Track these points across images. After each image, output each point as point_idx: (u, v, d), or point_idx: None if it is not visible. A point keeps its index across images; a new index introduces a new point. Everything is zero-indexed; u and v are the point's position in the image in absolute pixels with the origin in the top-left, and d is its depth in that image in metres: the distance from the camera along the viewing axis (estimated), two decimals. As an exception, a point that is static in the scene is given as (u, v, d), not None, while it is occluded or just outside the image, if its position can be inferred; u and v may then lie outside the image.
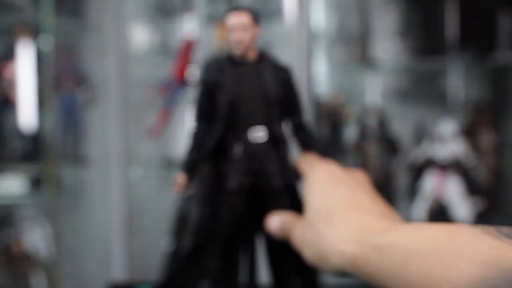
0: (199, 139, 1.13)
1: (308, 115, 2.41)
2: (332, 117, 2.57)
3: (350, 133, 2.62)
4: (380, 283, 0.44)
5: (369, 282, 0.47)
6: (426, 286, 0.38)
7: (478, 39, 2.52)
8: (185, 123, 2.91)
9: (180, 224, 2.55)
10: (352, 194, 0.54)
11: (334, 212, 0.52)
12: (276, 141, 1.12)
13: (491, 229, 0.38)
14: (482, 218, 2.59)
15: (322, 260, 0.52)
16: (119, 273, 2.61)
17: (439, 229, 0.42)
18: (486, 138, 2.55)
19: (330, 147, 2.62)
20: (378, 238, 0.45)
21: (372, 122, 2.45)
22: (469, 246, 0.37)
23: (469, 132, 2.63)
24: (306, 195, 0.60)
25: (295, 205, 1.10)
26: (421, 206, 2.58)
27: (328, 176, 0.58)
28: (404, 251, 0.41)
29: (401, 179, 2.72)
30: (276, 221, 0.64)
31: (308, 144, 1.17)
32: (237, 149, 1.13)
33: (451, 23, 2.41)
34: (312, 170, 0.63)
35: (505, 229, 0.38)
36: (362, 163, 2.48)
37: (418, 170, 2.74)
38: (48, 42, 2.10)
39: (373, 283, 0.45)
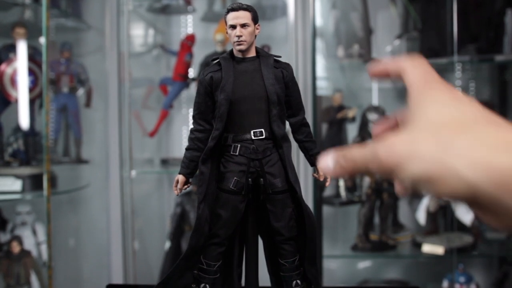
0: (198, 138, 1.12)
1: (310, 113, 2.40)
2: (334, 115, 2.57)
3: (351, 130, 2.62)
4: None
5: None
6: None
7: (479, 39, 2.51)
8: (185, 122, 2.90)
9: (179, 222, 2.53)
10: (482, 110, 0.43)
11: (469, 123, 0.41)
12: (277, 141, 1.11)
13: None
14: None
15: (443, 175, 0.38)
16: (117, 274, 2.60)
17: None
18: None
19: (332, 144, 2.61)
20: None
21: (373, 120, 2.45)
22: None
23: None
24: (417, 106, 0.46)
25: (296, 205, 1.09)
26: (423, 205, 2.57)
27: (447, 89, 0.46)
28: None
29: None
30: (330, 159, 0.49)
31: (309, 142, 1.17)
32: (237, 149, 1.12)
33: (453, 23, 2.40)
34: (426, 81, 0.48)
35: None
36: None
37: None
38: (46, 42, 2.09)
39: None
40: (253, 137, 1.06)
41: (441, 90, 0.46)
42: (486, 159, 0.37)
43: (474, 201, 0.38)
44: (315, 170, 1.11)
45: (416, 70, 0.48)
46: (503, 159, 0.36)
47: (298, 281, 1.10)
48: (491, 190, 0.36)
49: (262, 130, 1.06)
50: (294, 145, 1.11)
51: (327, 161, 0.50)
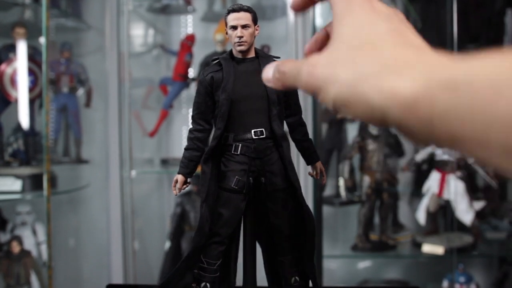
0: (197, 138, 1.12)
1: (310, 113, 2.40)
2: (334, 115, 2.57)
3: (351, 130, 2.62)
4: (444, 128, 0.35)
5: (422, 134, 0.38)
6: None
7: (479, 39, 2.51)
8: (185, 122, 2.91)
9: (179, 222, 2.54)
10: (398, 28, 0.43)
11: (381, 45, 0.42)
12: (277, 140, 1.11)
13: None
14: (483, 217, 2.58)
15: (357, 100, 0.41)
16: (117, 274, 2.61)
17: None
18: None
19: (332, 144, 2.61)
20: (450, 72, 0.36)
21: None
22: None
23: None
24: (338, 26, 0.47)
25: (296, 204, 1.10)
26: (423, 205, 2.58)
27: (368, 5, 0.46)
28: (492, 83, 0.33)
29: (402, 176, 2.71)
30: (270, 69, 0.52)
31: (306, 141, 1.17)
32: (238, 149, 1.12)
33: (453, 23, 2.40)
34: (350, 3, 0.48)
35: None
36: (363, 159, 2.47)
37: (420, 169, 2.73)
38: (46, 42, 2.10)
39: (428, 131, 0.36)
40: (253, 137, 1.07)
41: (361, 7, 0.46)
42: (391, 85, 0.38)
43: (386, 122, 0.40)
44: (312, 169, 1.12)
45: None
46: (406, 84, 0.37)
47: (297, 278, 1.10)
48: (398, 113, 0.38)
49: (263, 129, 1.07)
50: (293, 145, 1.11)
51: (268, 71, 0.52)
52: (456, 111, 0.34)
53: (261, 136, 1.06)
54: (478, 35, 2.51)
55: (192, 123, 1.09)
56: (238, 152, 1.06)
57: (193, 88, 2.61)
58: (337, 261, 2.67)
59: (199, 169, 1.09)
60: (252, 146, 1.06)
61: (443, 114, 0.35)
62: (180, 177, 1.08)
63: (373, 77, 0.40)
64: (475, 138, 0.34)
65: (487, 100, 0.33)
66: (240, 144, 1.06)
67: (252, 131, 1.06)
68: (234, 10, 1.04)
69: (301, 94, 1.14)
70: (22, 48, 2.22)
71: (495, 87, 0.33)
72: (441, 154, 2.53)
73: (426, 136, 0.37)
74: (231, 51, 1.07)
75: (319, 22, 2.53)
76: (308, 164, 1.11)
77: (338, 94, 0.42)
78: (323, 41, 0.56)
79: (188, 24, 2.89)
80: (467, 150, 0.35)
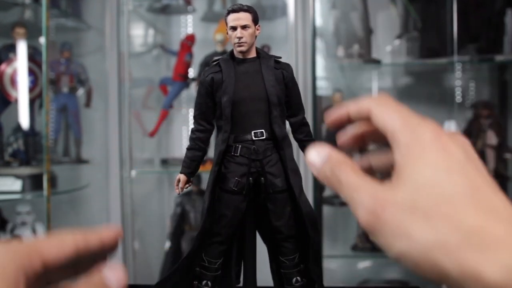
0: (199, 138, 1.12)
1: (310, 113, 2.40)
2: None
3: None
4: None
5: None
6: None
7: (479, 39, 2.51)
8: (185, 122, 2.90)
9: (179, 222, 2.54)
10: (475, 183, 0.39)
11: (462, 209, 0.37)
12: (277, 141, 1.11)
13: None
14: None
15: (428, 266, 0.37)
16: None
17: None
18: (487, 137, 2.54)
19: (332, 144, 2.61)
20: None
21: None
22: None
23: (471, 132, 2.62)
24: (407, 165, 0.40)
25: (295, 205, 1.10)
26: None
27: (439, 145, 0.41)
28: None
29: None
30: (319, 159, 0.44)
31: (309, 141, 1.17)
32: (238, 150, 1.12)
33: (453, 23, 2.41)
34: (414, 132, 0.42)
35: None
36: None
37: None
38: (46, 42, 2.09)
39: None
40: (253, 138, 1.07)
41: (432, 147, 0.41)
42: (473, 265, 0.35)
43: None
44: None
45: (391, 113, 0.43)
46: (491, 269, 0.34)
47: (298, 278, 1.11)
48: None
49: (263, 130, 1.07)
50: (294, 144, 1.11)
51: (315, 158, 0.45)
52: None
53: (261, 137, 1.06)
54: (478, 35, 2.51)
55: (194, 123, 1.09)
56: (238, 154, 1.06)
57: (193, 88, 2.61)
58: (337, 261, 2.67)
59: (201, 169, 1.09)
60: (252, 147, 1.06)
61: None
62: (182, 177, 1.09)
63: (452, 248, 0.36)
64: None
65: None
66: (240, 146, 1.06)
67: (252, 132, 1.06)
68: (233, 11, 1.04)
69: (302, 94, 1.14)
70: (22, 48, 2.22)
71: None
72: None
73: None
74: (232, 51, 1.07)
75: (319, 22, 2.53)
76: None
77: (406, 253, 0.38)
78: (362, 137, 0.51)
79: (188, 24, 2.89)
80: None
